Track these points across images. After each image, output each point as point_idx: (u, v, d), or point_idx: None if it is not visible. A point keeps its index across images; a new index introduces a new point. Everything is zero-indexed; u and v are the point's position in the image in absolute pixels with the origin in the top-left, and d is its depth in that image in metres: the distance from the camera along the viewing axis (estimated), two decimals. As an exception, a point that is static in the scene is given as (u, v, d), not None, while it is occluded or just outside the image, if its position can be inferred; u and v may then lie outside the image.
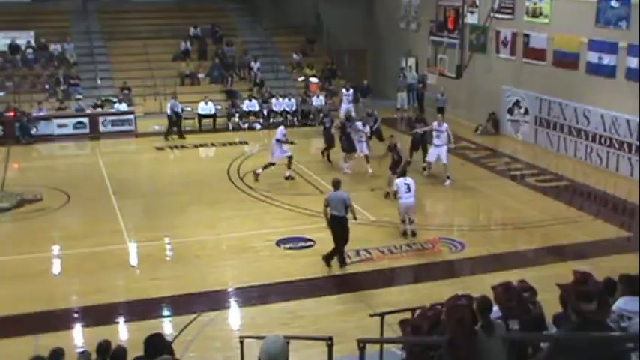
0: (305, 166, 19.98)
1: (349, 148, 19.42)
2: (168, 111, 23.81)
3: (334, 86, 28.80)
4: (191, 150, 22.97)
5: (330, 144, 20.43)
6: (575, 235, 15.22)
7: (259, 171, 18.66)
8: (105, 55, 28.93)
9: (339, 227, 13.11)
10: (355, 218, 13.46)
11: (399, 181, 14.93)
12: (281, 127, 19.21)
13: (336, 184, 13.33)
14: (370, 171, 18.94)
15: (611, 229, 15.60)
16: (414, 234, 14.79)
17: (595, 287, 4.92)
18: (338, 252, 13.19)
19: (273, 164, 18.68)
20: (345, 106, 24.95)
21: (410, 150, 19.27)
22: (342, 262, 13.25)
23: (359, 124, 19.79)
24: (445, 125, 18.60)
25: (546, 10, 21.79)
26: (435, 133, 18.55)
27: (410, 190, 14.59)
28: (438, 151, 18.55)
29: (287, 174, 18.85)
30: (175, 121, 23.84)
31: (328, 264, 13.19)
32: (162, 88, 27.24)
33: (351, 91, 25.84)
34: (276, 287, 12.52)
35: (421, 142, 19.57)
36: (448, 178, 18.43)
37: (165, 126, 24.35)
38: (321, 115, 22.95)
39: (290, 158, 18.86)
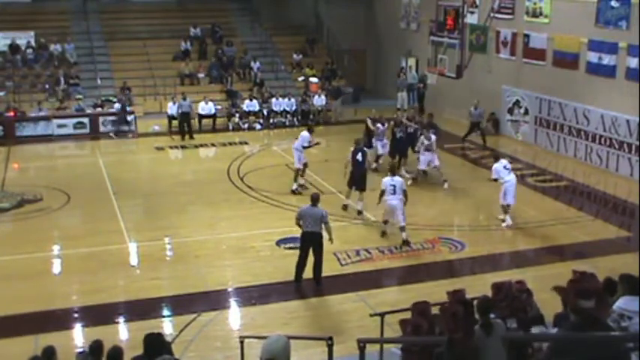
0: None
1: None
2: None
3: (334, 86, 28.80)
4: (191, 150, 22.97)
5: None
6: (575, 235, 15.23)
7: (295, 186, 17.62)
8: (105, 55, 28.93)
9: (311, 244, 12.29)
10: (331, 240, 12.40)
11: (386, 180, 14.38)
12: (305, 133, 18.04)
13: (315, 199, 12.37)
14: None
15: (611, 229, 15.60)
16: (407, 243, 14.16)
17: (593, 285, 4.93)
18: (301, 266, 12.44)
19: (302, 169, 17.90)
20: (381, 144, 19.66)
21: None
22: (299, 278, 12.49)
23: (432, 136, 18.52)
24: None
25: (546, 10, 21.79)
26: (427, 142, 18.30)
27: (395, 192, 14.20)
28: (430, 157, 18.37)
29: (301, 183, 17.85)
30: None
31: (318, 281, 12.55)
32: (162, 88, 27.26)
33: (385, 125, 19.72)
34: (276, 287, 12.50)
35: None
36: (445, 180, 18.34)
37: (165, 126, 24.70)
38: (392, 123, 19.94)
39: (305, 166, 17.93)
